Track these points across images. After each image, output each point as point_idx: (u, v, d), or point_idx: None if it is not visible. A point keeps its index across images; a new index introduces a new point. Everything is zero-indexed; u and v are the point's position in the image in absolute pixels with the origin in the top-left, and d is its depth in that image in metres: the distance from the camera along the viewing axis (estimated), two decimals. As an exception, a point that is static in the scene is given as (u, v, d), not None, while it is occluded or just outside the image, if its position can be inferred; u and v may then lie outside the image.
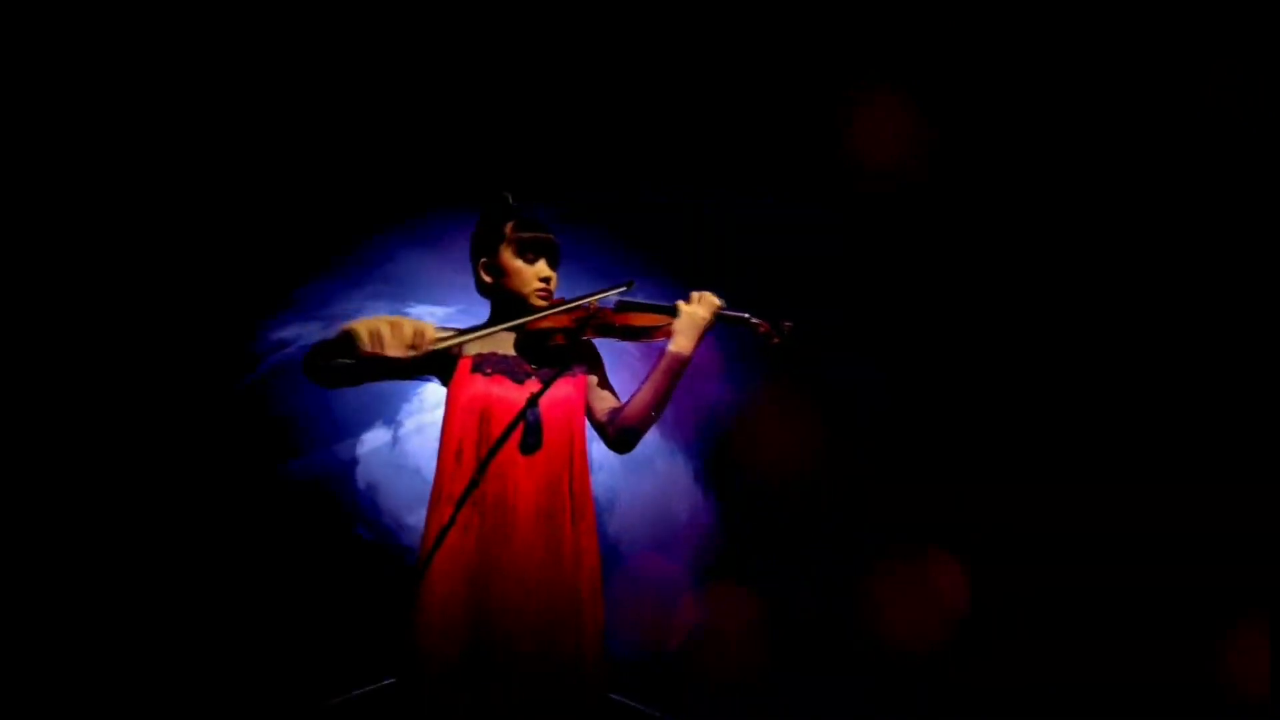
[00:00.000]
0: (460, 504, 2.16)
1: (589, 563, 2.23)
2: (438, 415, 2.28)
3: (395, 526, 4.78)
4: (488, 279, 2.37)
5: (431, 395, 4.66)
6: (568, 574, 2.17)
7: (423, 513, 2.22)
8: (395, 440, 4.83)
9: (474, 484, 2.16)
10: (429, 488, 2.20)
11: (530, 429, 2.20)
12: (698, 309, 2.22)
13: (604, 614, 2.24)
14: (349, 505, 4.52)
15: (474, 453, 2.19)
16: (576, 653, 2.13)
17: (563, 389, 2.29)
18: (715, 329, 2.27)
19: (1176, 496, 3.38)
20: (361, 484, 4.67)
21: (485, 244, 2.37)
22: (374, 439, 4.62)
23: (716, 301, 2.24)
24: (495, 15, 3.56)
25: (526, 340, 2.33)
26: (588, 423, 2.34)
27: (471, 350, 2.29)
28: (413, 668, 2.08)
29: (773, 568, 3.71)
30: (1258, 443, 3.42)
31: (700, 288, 2.29)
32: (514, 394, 2.24)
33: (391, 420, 4.70)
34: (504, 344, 2.33)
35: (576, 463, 2.26)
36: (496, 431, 2.20)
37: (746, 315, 2.21)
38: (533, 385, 2.26)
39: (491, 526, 2.13)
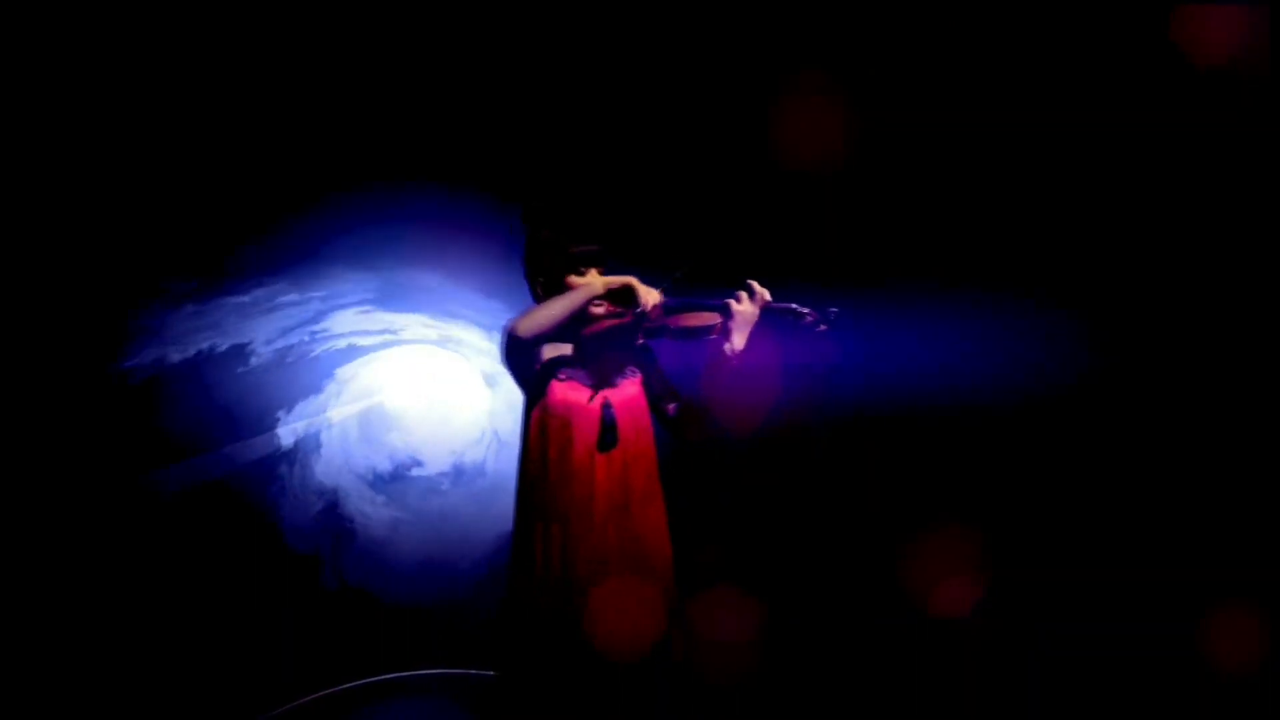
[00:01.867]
0: (548, 498, 2.41)
1: (661, 546, 2.49)
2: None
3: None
4: (546, 295, 2.58)
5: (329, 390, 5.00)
6: (643, 557, 2.43)
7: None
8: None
9: (560, 480, 2.41)
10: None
11: (607, 428, 2.45)
12: (749, 307, 2.42)
13: (677, 591, 2.50)
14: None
15: (558, 452, 2.43)
16: (654, 626, 2.41)
17: (629, 389, 2.53)
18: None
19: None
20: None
21: (538, 262, 2.59)
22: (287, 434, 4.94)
23: (766, 295, 2.44)
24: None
25: (588, 346, 2.56)
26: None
27: (545, 356, 2.52)
28: (513, 644, 2.36)
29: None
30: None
31: (741, 281, 2.49)
32: (587, 397, 2.47)
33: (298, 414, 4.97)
34: (567, 351, 2.56)
35: (645, 456, 2.51)
36: (577, 432, 2.43)
37: (794, 305, 2.41)
38: (601, 388, 2.50)
39: (576, 517, 2.39)
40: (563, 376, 2.49)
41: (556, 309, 2.38)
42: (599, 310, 2.50)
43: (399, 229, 3.88)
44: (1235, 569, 3.17)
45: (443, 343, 5.24)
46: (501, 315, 4.05)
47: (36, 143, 3.30)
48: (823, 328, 2.36)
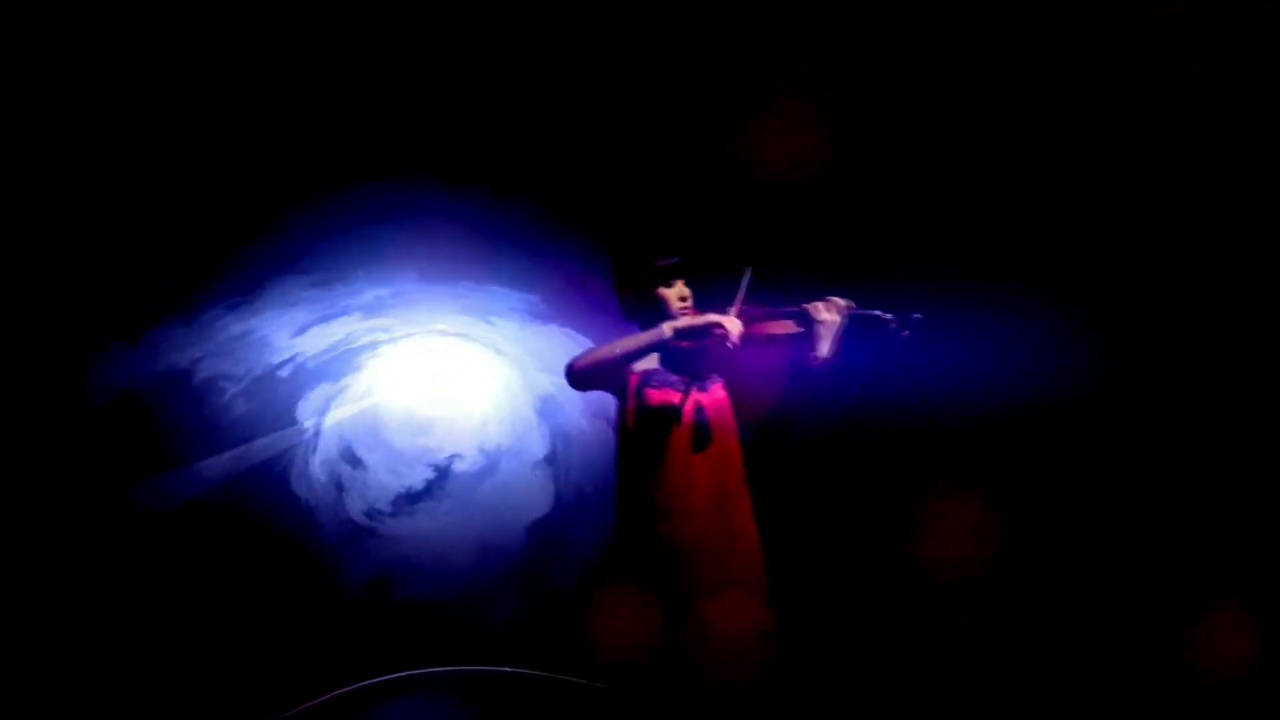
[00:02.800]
0: (650, 495, 2.56)
1: (750, 534, 2.66)
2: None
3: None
4: (636, 305, 2.72)
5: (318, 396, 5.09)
6: (734, 545, 2.61)
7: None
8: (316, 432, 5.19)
9: (661, 480, 2.55)
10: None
11: (701, 430, 2.59)
12: (832, 315, 2.58)
13: (766, 574, 2.66)
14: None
15: (657, 454, 2.57)
16: (747, 604, 2.59)
17: (717, 393, 2.68)
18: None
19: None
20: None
21: (626, 276, 2.73)
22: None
23: (845, 303, 2.60)
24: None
25: (675, 355, 2.69)
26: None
27: (638, 367, 2.65)
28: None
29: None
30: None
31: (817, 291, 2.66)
32: (679, 402, 2.61)
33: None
34: (655, 360, 2.69)
35: (734, 454, 2.67)
36: (673, 434, 2.58)
37: (878, 312, 2.59)
38: (692, 393, 2.63)
39: (676, 510, 2.55)
40: (656, 384, 2.63)
41: (618, 351, 2.55)
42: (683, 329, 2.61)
43: (428, 228, 3.91)
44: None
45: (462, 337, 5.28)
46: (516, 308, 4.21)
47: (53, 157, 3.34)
48: (906, 333, 2.53)
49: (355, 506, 5.47)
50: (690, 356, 2.67)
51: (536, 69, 3.27)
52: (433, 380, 5.99)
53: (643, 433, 2.60)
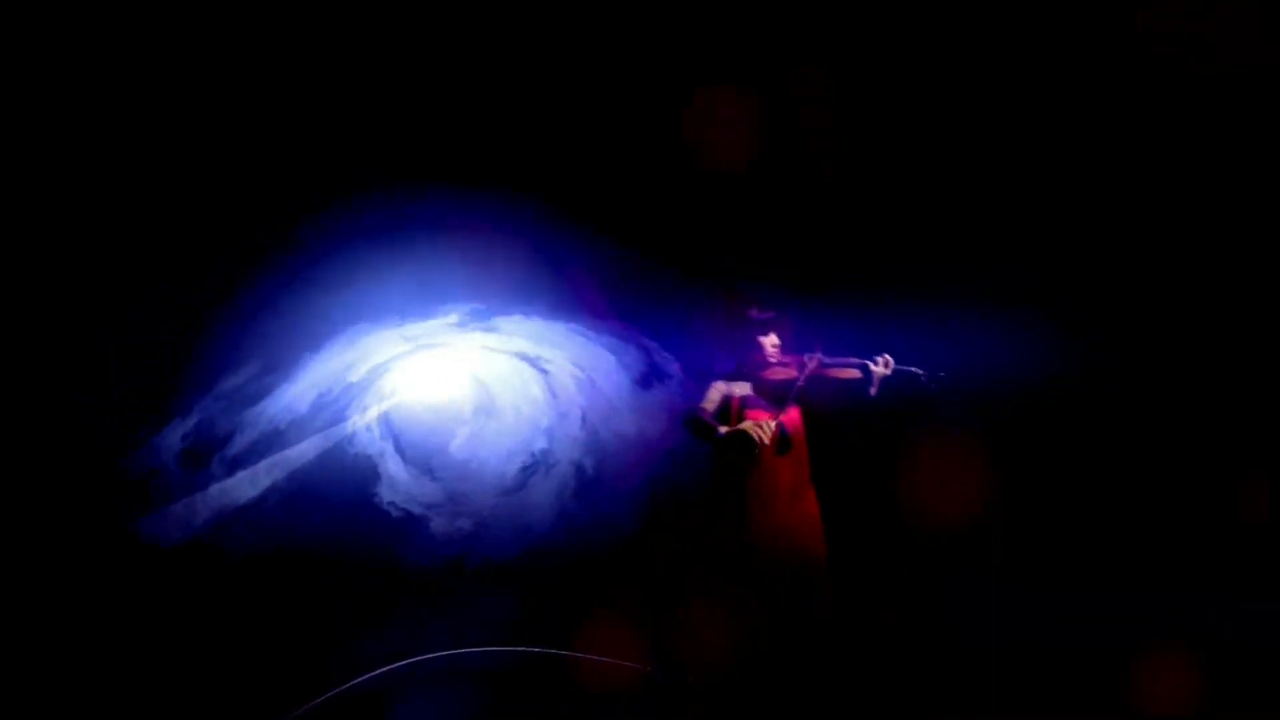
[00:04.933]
0: (744, 486, 3.59)
1: (815, 515, 3.72)
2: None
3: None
4: (736, 345, 3.75)
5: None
6: (803, 522, 3.67)
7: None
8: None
9: (754, 473, 3.58)
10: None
11: (784, 439, 3.62)
12: (882, 369, 3.65)
13: (825, 546, 3.71)
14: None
15: (758, 459, 3.59)
16: (815, 573, 3.64)
17: (793, 414, 3.72)
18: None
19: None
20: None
21: (730, 324, 3.76)
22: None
23: (890, 360, 3.70)
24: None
25: (763, 386, 3.73)
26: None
27: (737, 393, 3.68)
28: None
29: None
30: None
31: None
32: (767, 418, 3.63)
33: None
34: (749, 388, 3.73)
35: (804, 458, 3.72)
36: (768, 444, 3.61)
37: (913, 369, 3.68)
38: (777, 413, 3.66)
39: (764, 494, 3.59)
40: (751, 405, 3.66)
41: (701, 435, 3.69)
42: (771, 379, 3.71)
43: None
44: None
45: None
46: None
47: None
48: (933, 386, 3.62)
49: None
50: (776, 388, 3.70)
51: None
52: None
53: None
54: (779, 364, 3.72)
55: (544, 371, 5.97)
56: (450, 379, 6.65)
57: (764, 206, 4.47)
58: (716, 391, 3.70)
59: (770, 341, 3.75)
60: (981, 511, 4.44)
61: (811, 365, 3.67)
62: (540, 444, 6.38)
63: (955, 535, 4.47)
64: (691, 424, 3.67)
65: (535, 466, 6.30)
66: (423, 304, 4.94)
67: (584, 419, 5.90)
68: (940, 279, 4.56)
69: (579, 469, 5.79)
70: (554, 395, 6.15)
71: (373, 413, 6.31)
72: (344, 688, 4.07)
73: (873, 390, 3.64)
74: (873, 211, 4.53)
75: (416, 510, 6.17)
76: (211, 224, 3.82)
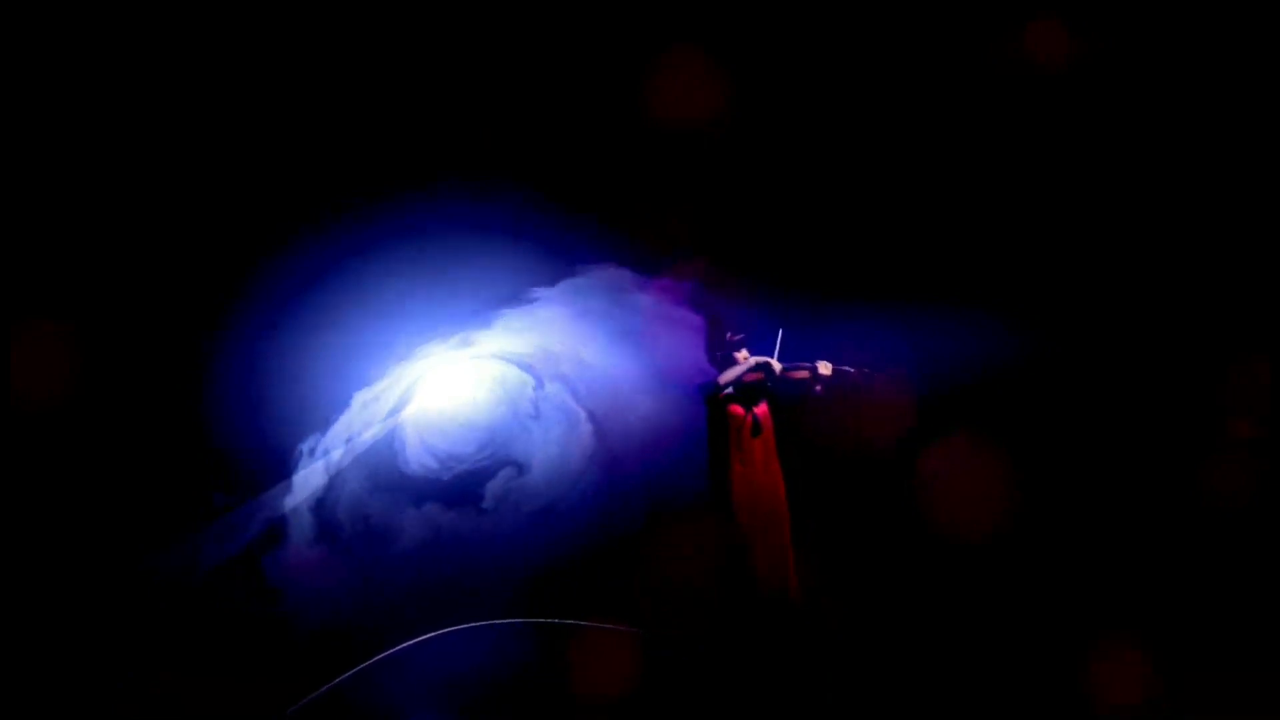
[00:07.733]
0: (728, 459, 4.99)
1: (780, 482, 5.11)
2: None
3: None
4: (722, 363, 5.13)
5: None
6: (772, 486, 5.08)
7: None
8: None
9: (738, 448, 4.97)
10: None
11: (757, 425, 5.02)
12: (826, 370, 5.06)
13: (788, 507, 5.09)
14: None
15: (736, 436, 4.99)
16: (779, 521, 5.06)
17: (763, 407, 5.11)
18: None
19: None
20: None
21: (717, 345, 5.16)
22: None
23: (830, 365, 5.08)
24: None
25: (741, 387, 5.10)
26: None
27: (723, 394, 5.05)
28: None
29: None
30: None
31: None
32: (744, 410, 5.01)
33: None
34: (731, 389, 5.10)
35: (771, 440, 5.13)
36: (744, 428, 4.99)
37: (847, 368, 5.07)
38: (751, 406, 5.03)
39: (750, 466, 4.99)
40: (733, 399, 5.04)
41: (735, 374, 5.01)
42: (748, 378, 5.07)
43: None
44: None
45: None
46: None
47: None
48: (865, 379, 5.02)
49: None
50: (749, 388, 5.08)
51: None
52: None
53: (728, 426, 5.01)
54: (749, 371, 5.09)
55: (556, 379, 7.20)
56: (467, 385, 7.75)
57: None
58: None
59: (742, 355, 5.12)
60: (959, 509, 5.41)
61: (776, 370, 5.05)
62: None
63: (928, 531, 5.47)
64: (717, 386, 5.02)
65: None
66: (448, 321, 5.94)
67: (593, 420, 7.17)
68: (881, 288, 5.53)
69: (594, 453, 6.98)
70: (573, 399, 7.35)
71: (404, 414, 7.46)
72: (341, 679, 4.73)
73: (819, 388, 5.04)
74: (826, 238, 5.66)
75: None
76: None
